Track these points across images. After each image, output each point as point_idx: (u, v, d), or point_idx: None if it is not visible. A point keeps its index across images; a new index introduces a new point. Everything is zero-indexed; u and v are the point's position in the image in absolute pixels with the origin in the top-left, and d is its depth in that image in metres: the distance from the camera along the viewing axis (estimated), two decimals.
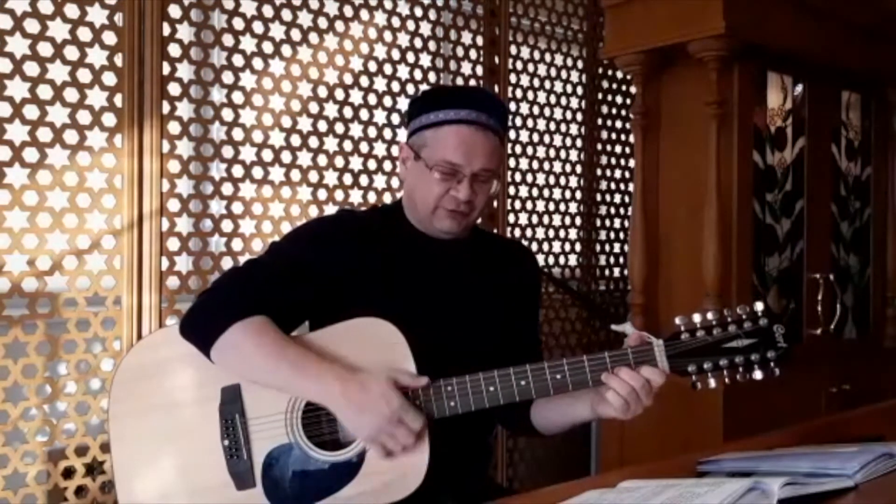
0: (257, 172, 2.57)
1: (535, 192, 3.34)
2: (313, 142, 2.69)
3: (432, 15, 3.02)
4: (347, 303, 1.49)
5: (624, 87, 3.68)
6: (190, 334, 1.46)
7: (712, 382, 1.40)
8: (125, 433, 1.48)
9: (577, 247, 3.53)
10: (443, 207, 1.54)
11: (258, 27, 2.57)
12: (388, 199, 2.86)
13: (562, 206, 3.46)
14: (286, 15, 2.63)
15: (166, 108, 2.39)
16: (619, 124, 3.68)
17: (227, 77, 2.52)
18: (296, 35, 2.65)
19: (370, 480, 1.41)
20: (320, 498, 1.42)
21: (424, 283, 1.57)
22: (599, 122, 3.61)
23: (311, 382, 1.40)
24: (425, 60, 2.99)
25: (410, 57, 2.95)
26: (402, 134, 2.92)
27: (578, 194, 3.53)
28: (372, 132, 2.83)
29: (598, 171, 3.61)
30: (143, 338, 1.56)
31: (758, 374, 1.39)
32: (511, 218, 3.26)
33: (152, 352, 1.51)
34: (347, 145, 2.77)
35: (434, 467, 1.40)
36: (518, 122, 3.29)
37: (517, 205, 3.28)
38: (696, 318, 1.41)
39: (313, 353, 1.43)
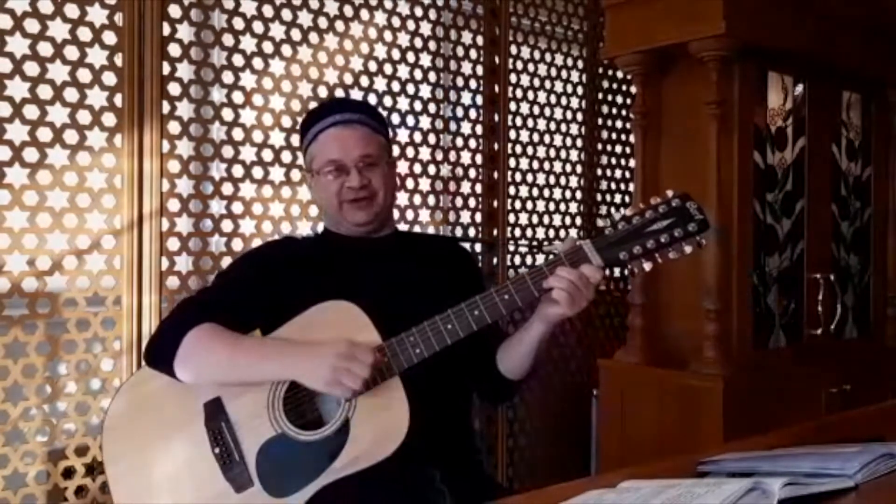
0: (257, 172, 2.57)
1: (535, 192, 3.34)
2: None
3: (432, 15, 3.02)
4: (288, 306, 1.55)
5: (624, 87, 3.68)
6: (152, 359, 1.54)
7: (647, 266, 1.51)
8: (122, 474, 1.52)
9: None
10: (345, 201, 1.65)
11: (258, 27, 2.57)
12: None
13: (562, 206, 3.46)
14: (286, 15, 2.63)
15: (166, 107, 2.39)
16: (619, 124, 3.68)
17: (227, 77, 2.52)
18: (296, 35, 2.65)
19: (359, 444, 1.45)
20: (317, 475, 1.44)
21: (358, 279, 1.63)
22: (599, 122, 3.61)
23: (270, 361, 1.48)
24: (425, 60, 2.99)
25: (410, 57, 2.95)
26: (403, 133, 2.93)
27: (578, 194, 3.53)
28: None
29: (598, 171, 3.62)
30: (123, 382, 1.64)
31: (687, 249, 1.51)
32: (511, 218, 3.26)
33: (133, 391, 1.57)
34: None
35: (421, 448, 1.44)
36: (518, 122, 3.29)
37: (517, 205, 3.28)
38: (616, 215, 1.56)
39: (268, 339, 1.52)
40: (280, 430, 1.48)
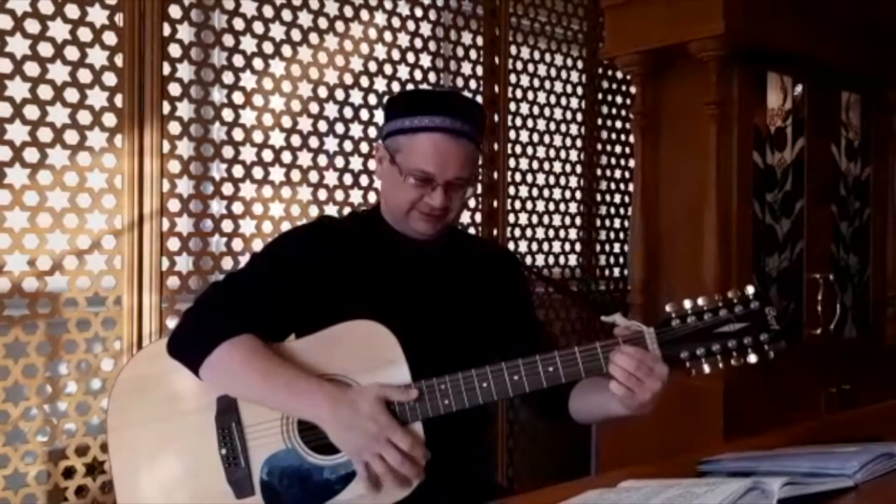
0: (258, 172, 2.57)
1: (535, 192, 3.35)
2: (314, 142, 2.69)
3: (432, 15, 3.02)
4: (330, 306, 1.49)
5: (624, 87, 3.68)
6: (178, 354, 1.46)
7: (706, 368, 1.38)
8: (124, 445, 1.48)
9: (577, 247, 3.53)
10: (417, 210, 1.53)
11: (258, 27, 2.58)
12: None
13: (562, 206, 3.46)
14: (286, 15, 2.63)
15: (167, 108, 2.39)
16: (619, 124, 3.68)
17: (228, 77, 2.52)
18: (296, 35, 2.65)
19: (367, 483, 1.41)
20: (319, 502, 1.41)
21: (405, 283, 1.57)
22: (599, 122, 3.61)
23: (301, 402, 1.40)
24: (425, 60, 3.00)
25: (410, 57, 2.95)
26: None
27: (578, 194, 3.53)
28: (372, 132, 2.84)
29: (598, 171, 3.62)
30: (141, 349, 1.56)
31: (752, 358, 1.38)
32: (511, 218, 3.26)
33: (149, 363, 1.51)
34: (348, 145, 2.78)
35: (432, 466, 1.39)
36: (518, 122, 3.29)
37: (517, 205, 3.28)
38: (687, 304, 1.40)
39: (303, 371, 1.43)
40: (290, 445, 1.44)
